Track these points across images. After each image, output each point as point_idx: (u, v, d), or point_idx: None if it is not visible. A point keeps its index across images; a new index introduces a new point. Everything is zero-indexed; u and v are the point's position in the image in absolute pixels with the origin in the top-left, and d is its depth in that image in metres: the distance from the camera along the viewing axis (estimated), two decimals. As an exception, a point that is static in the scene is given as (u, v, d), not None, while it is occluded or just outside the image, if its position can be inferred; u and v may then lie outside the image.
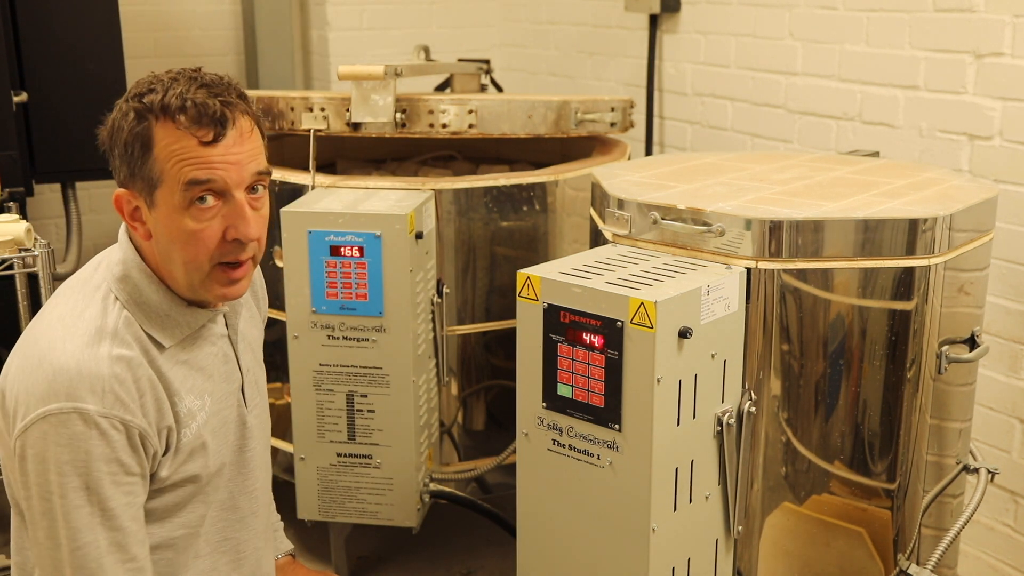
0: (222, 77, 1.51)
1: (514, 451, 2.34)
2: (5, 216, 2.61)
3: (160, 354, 1.51)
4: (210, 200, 1.46)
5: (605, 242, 1.98)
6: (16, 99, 3.25)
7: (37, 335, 1.48)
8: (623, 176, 2.14)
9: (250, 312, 1.75)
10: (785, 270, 1.80)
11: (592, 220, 2.17)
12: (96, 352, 1.43)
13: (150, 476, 1.50)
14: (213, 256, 1.49)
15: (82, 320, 1.47)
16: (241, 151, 1.47)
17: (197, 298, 1.55)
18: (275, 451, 2.87)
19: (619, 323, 1.65)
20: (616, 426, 1.68)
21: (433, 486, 2.62)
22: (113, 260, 1.53)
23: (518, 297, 1.77)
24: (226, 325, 1.64)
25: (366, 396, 2.48)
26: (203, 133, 1.44)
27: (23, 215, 3.04)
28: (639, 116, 3.72)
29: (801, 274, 1.81)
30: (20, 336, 1.54)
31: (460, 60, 3.89)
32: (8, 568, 2.76)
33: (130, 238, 1.55)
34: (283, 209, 2.42)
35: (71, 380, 1.40)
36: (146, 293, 1.51)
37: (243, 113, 1.48)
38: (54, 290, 2.61)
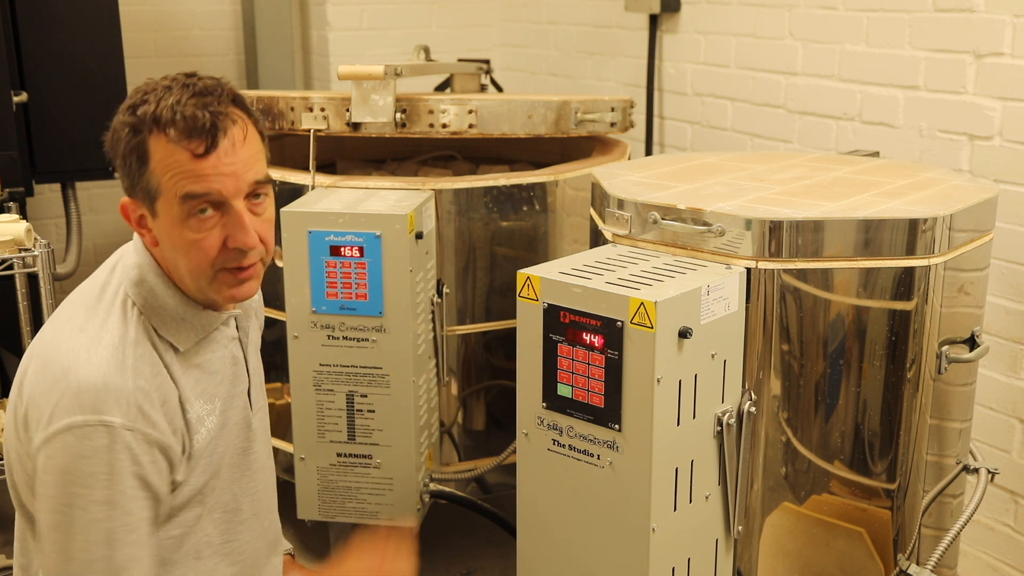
0: (217, 81, 1.49)
1: (514, 451, 2.34)
2: (5, 216, 2.61)
3: (175, 359, 1.51)
4: (209, 211, 1.46)
5: (605, 242, 1.98)
6: (16, 99, 3.25)
7: (58, 345, 1.46)
8: (623, 176, 2.14)
9: (253, 317, 1.76)
10: (785, 270, 1.80)
11: (592, 220, 2.17)
12: (122, 365, 1.43)
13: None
14: (215, 263, 1.49)
15: (105, 331, 1.46)
16: (236, 160, 1.46)
17: (208, 300, 1.55)
18: (275, 451, 2.87)
19: (619, 323, 1.64)
20: (616, 426, 1.68)
21: (433, 486, 2.62)
22: (128, 264, 1.54)
23: (518, 297, 1.77)
24: (236, 328, 1.64)
25: (366, 396, 2.48)
26: (194, 146, 1.43)
27: (23, 215, 3.04)
28: (639, 116, 3.72)
29: (801, 274, 1.81)
30: (35, 339, 1.53)
31: (460, 60, 3.89)
32: (9, 568, 2.76)
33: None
34: (283, 209, 2.42)
35: (97, 393, 1.40)
36: (162, 297, 1.51)
37: (235, 120, 1.47)
38: (54, 290, 2.63)
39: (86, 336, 1.46)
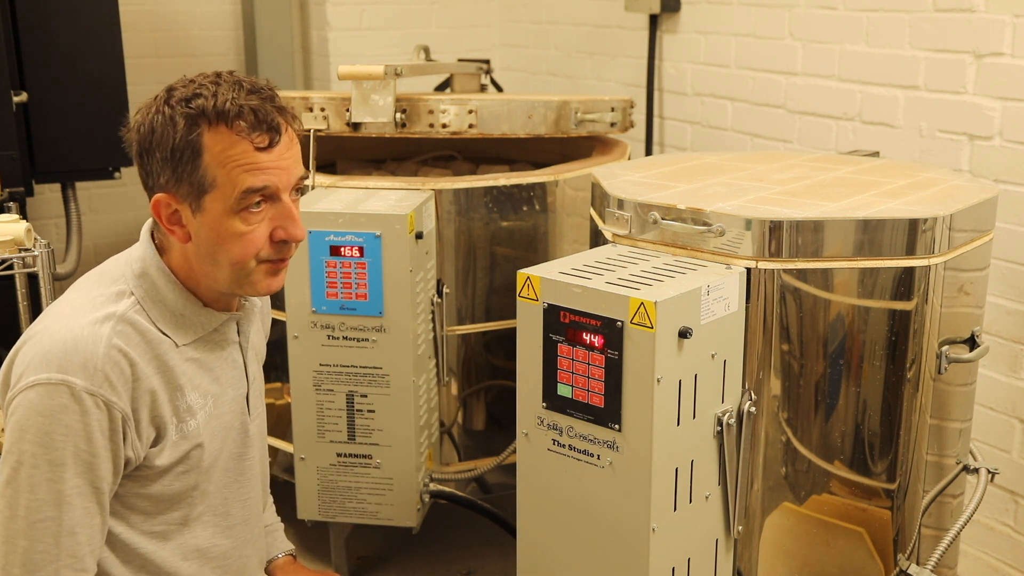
0: (259, 81, 1.52)
1: (514, 451, 2.34)
2: (5, 216, 2.61)
3: (170, 350, 1.52)
4: (262, 204, 1.49)
5: (605, 242, 1.98)
6: (16, 99, 3.25)
7: (48, 312, 1.51)
8: (623, 176, 2.14)
9: (258, 323, 1.76)
10: (785, 270, 1.80)
11: (592, 220, 2.17)
12: (96, 331, 1.45)
13: (141, 465, 1.51)
14: (259, 256, 1.52)
15: (91, 304, 1.49)
16: (289, 155, 1.51)
17: (236, 293, 1.57)
18: (275, 451, 2.87)
19: (619, 323, 1.64)
20: (616, 426, 1.68)
21: (433, 486, 2.62)
22: (133, 256, 1.56)
23: (518, 297, 1.77)
24: (238, 332, 1.64)
25: (366, 396, 2.48)
26: (260, 139, 1.46)
27: (23, 215, 3.05)
28: (639, 116, 3.72)
29: (801, 274, 1.81)
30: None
31: (460, 60, 3.89)
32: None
33: (152, 237, 1.57)
34: (283, 209, 2.42)
35: (66, 352, 1.42)
36: (162, 291, 1.53)
37: (289, 119, 1.52)
38: (54, 290, 2.63)
39: (72, 305, 1.49)
